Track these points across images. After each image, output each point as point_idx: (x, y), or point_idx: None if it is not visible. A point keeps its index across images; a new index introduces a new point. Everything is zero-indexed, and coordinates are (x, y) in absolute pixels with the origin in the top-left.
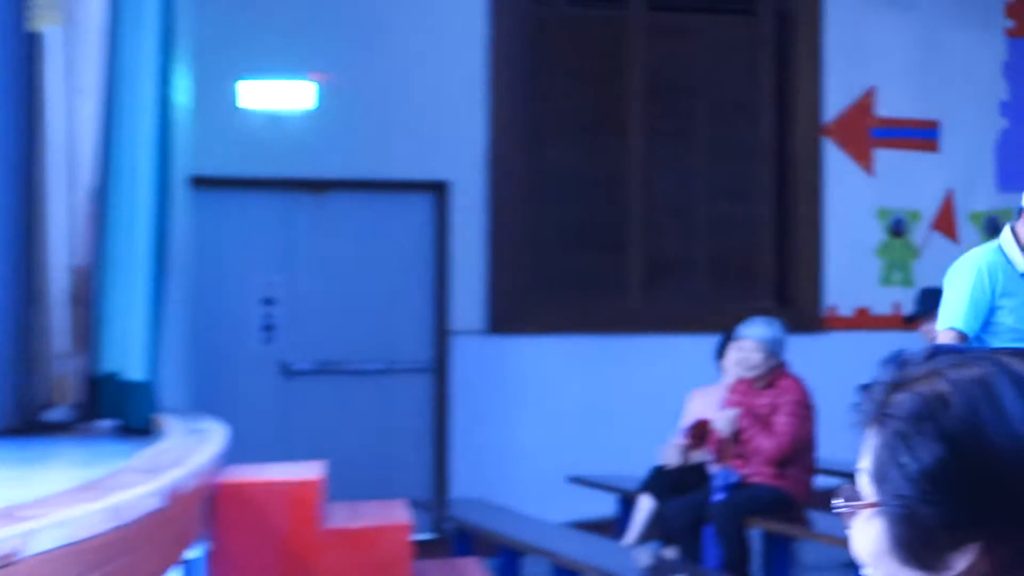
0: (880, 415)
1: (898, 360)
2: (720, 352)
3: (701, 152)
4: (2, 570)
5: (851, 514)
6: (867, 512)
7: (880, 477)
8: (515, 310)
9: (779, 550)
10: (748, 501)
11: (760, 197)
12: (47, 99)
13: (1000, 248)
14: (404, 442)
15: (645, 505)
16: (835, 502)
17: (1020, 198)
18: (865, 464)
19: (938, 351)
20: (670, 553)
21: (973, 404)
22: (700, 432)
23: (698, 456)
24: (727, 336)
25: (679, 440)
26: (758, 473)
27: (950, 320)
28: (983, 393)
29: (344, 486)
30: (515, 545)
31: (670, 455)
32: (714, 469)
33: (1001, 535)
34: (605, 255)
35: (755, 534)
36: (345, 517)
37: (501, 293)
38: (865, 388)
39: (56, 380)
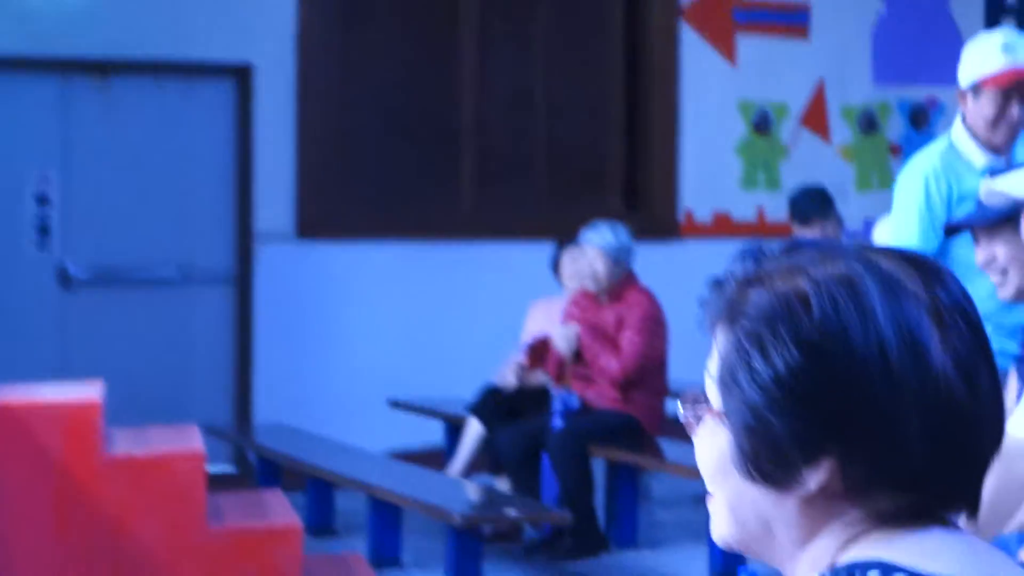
0: (731, 314)
1: (755, 253)
2: (556, 261)
3: (541, 34)
4: None
5: (695, 423)
6: (712, 421)
7: (728, 383)
8: (328, 212)
9: (625, 481)
10: (590, 428)
11: (608, 88)
12: None
13: (952, 145)
14: (201, 362)
15: (473, 431)
16: (678, 408)
17: (898, 91)
18: (712, 367)
19: (799, 245)
20: (502, 485)
21: (835, 305)
22: (540, 351)
23: (538, 377)
24: (561, 243)
25: (517, 359)
26: (602, 396)
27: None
28: (847, 293)
29: (131, 411)
30: (327, 476)
31: (507, 375)
32: (553, 392)
33: (857, 450)
34: (432, 150)
35: (598, 464)
36: (130, 444)
37: (312, 193)
38: (716, 283)
39: None
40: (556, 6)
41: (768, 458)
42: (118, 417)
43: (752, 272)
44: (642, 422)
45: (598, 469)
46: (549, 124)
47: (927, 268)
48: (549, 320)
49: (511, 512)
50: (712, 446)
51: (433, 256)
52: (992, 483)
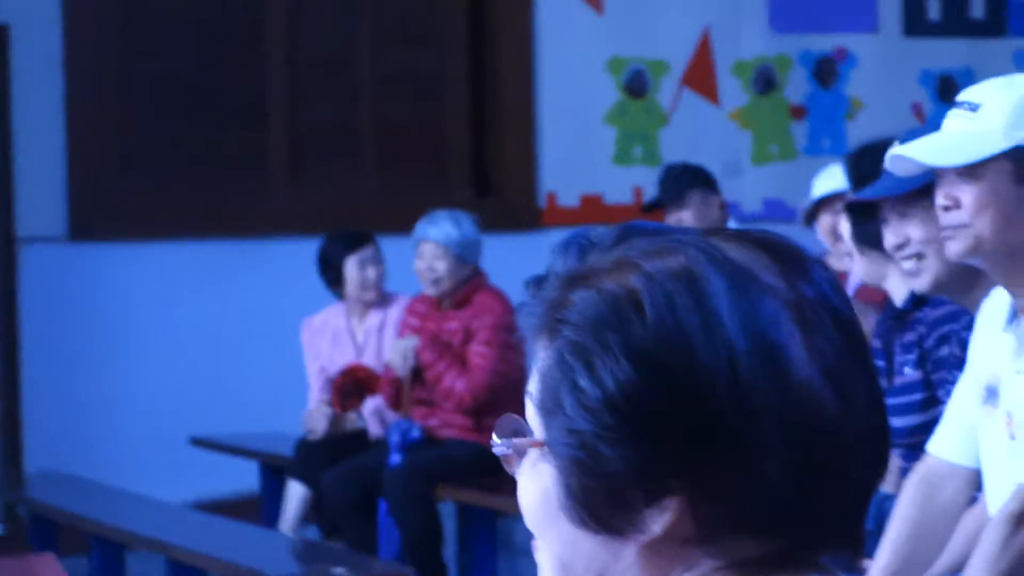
0: (552, 321)
1: (580, 244)
2: (328, 263)
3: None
4: None
5: (515, 457)
6: (534, 454)
7: (549, 407)
8: (107, 208)
9: (480, 527)
10: (436, 463)
11: (449, 45)
12: None
13: None
14: None
15: (296, 492)
16: (493, 441)
17: (799, 41)
18: (532, 388)
19: (632, 231)
20: (334, 542)
21: (673, 307)
22: (353, 385)
23: (354, 417)
24: (354, 240)
25: (323, 400)
26: (449, 424)
27: None
28: (687, 291)
29: None
30: (115, 535)
31: (315, 424)
32: (385, 422)
33: (708, 485)
34: (234, 132)
35: (447, 508)
36: None
37: (86, 184)
38: (534, 283)
39: None
40: None
41: (601, 498)
42: None
43: (576, 269)
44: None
45: (447, 513)
46: (377, 97)
47: (787, 256)
48: (337, 337)
49: (341, 572)
50: (535, 486)
51: (238, 257)
52: (910, 517)
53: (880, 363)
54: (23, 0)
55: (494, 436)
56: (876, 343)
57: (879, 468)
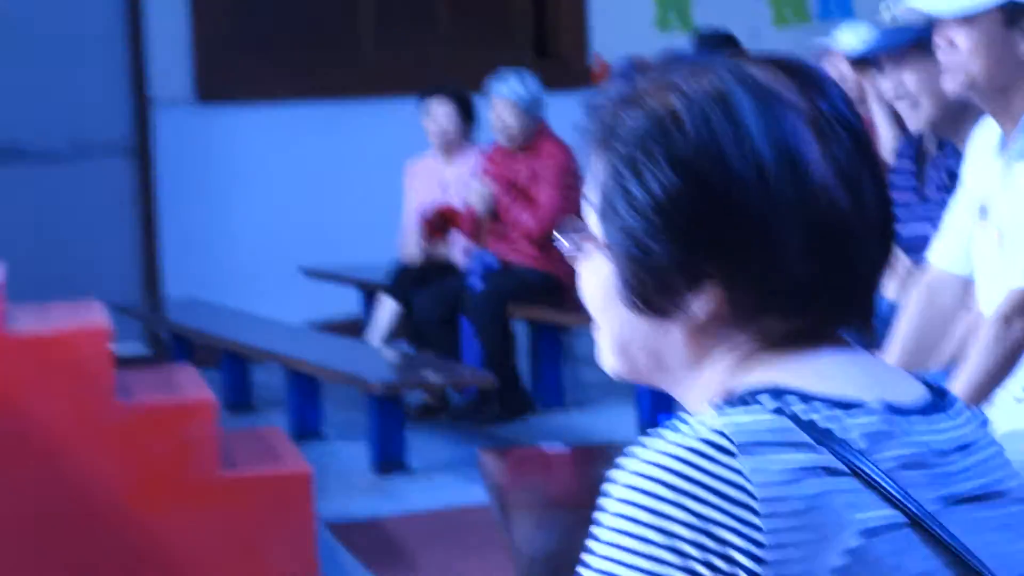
0: (606, 137)
1: (629, 71)
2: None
3: None
4: None
5: (576, 254)
6: (593, 251)
7: (606, 210)
8: (227, 74)
9: (547, 340)
10: (510, 287)
11: None
12: None
13: None
14: (103, 237)
15: (388, 307)
16: (556, 237)
17: None
18: (591, 195)
19: (673, 59)
20: (420, 350)
21: (708, 122)
22: (439, 222)
23: (442, 247)
24: (427, 94)
25: (417, 232)
26: (520, 254)
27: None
28: (720, 108)
29: (34, 291)
30: (241, 350)
31: (410, 250)
32: (467, 252)
33: (740, 273)
34: (328, 4)
35: (519, 324)
36: (31, 321)
37: (208, 54)
38: (591, 106)
39: None
40: None
41: (651, 286)
42: (19, 297)
43: (626, 92)
44: (562, 279)
45: (519, 329)
46: None
47: (805, 76)
48: (427, 180)
49: (433, 377)
50: (595, 277)
51: (337, 115)
52: (914, 317)
53: (912, 181)
54: None
55: (560, 235)
56: (906, 163)
57: (885, 256)
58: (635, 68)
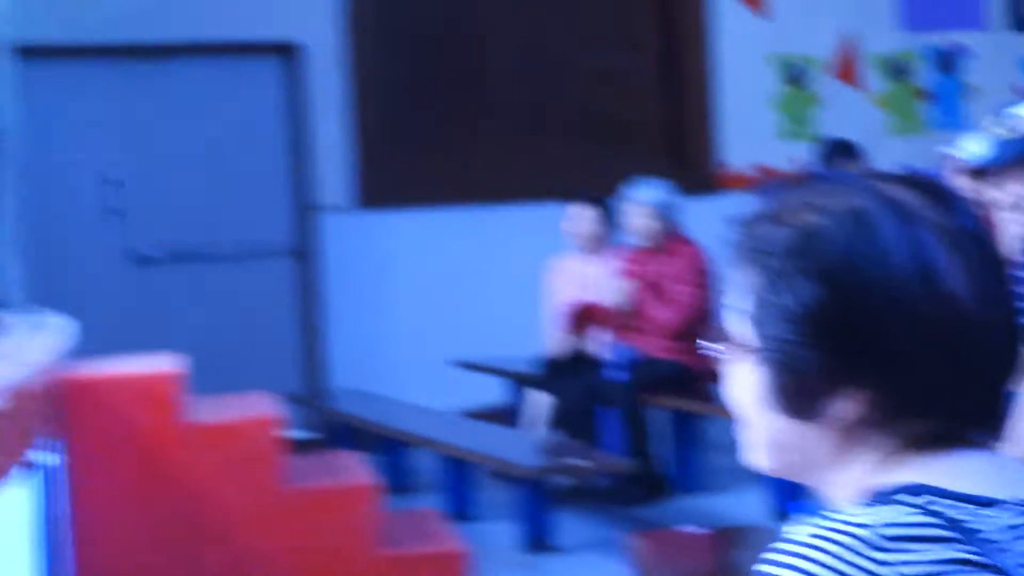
0: (755, 251)
1: (771, 191)
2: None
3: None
4: None
5: (723, 357)
6: (741, 356)
7: (756, 319)
8: (384, 180)
9: (684, 428)
10: (648, 377)
11: (641, 45)
12: None
13: None
14: (272, 332)
15: (538, 400)
16: (704, 344)
17: (924, 38)
18: (738, 303)
19: (811, 178)
20: (566, 437)
21: (849, 237)
22: (584, 316)
23: (585, 340)
24: (569, 199)
25: (562, 327)
26: (656, 347)
27: None
28: (860, 225)
29: (207, 382)
30: (400, 436)
31: (555, 343)
32: (608, 346)
33: (883, 379)
34: (472, 117)
35: (657, 412)
36: (208, 412)
37: (367, 164)
38: (739, 222)
39: None
40: None
41: (800, 391)
42: (195, 388)
43: (770, 208)
44: (696, 370)
45: (657, 417)
46: (584, 85)
47: (935, 192)
48: (571, 278)
49: (578, 461)
50: (744, 381)
51: (485, 217)
52: None
53: None
54: (310, 22)
55: (708, 343)
56: None
57: (1014, 359)
58: (777, 186)
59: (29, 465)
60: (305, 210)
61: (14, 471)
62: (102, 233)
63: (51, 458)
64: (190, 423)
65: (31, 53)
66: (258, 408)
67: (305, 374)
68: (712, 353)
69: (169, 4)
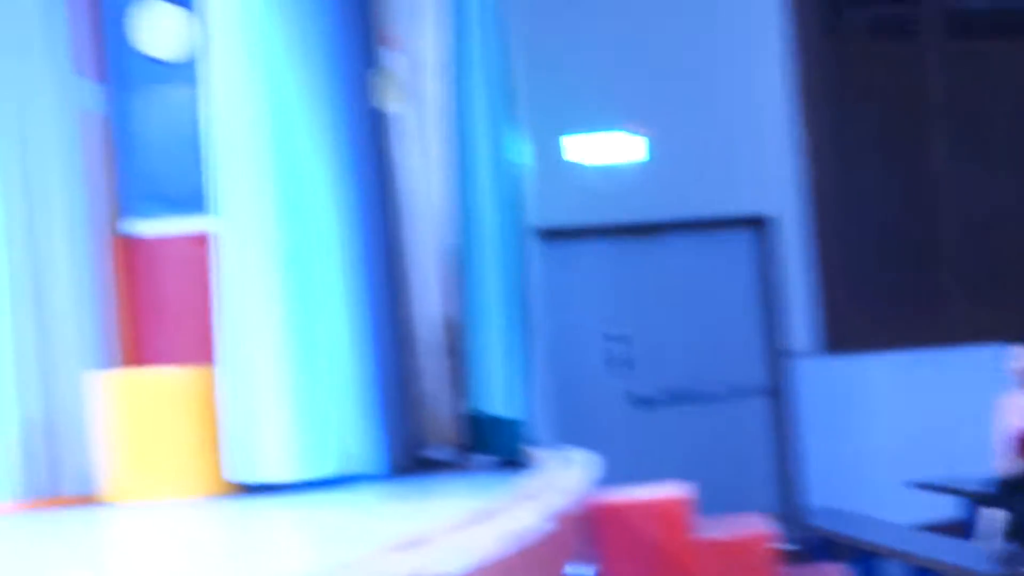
0: None
1: None
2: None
3: (1003, 168)
4: None
5: None
6: None
7: None
8: (845, 329)
9: None
10: None
11: None
12: (400, 169)
13: None
14: (751, 460)
15: (994, 516)
16: None
17: None
18: None
19: None
20: (1019, 548)
21: None
22: None
23: None
24: (1015, 342)
25: (1011, 452)
26: None
27: None
28: None
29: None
30: (872, 548)
31: (1006, 467)
32: None
33: None
34: (922, 270)
35: None
36: (711, 529)
37: (831, 314)
38: None
39: (435, 421)
40: (1012, 143)
41: None
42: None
43: None
44: None
45: None
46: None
47: None
48: (1017, 410)
49: None
50: None
51: (937, 359)
52: None
53: None
54: (776, 197)
55: None
56: None
57: None
58: None
59: None
60: (777, 355)
61: None
62: (609, 380)
63: (586, 571)
64: (699, 539)
65: (549, 235)
66: (753, 525)
67: (782, 494)
68: None
69: (657, 190)
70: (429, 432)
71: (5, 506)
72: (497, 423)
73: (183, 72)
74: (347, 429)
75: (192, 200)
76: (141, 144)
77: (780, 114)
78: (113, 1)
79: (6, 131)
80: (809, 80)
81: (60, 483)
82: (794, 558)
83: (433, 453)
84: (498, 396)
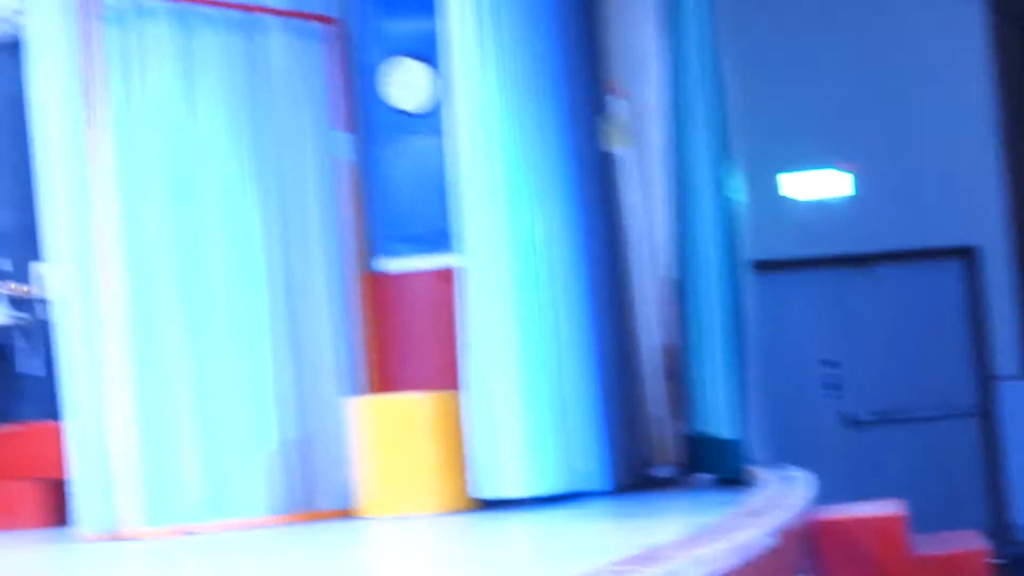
0: None
1: None
2: None
3: None
4: None
5: None
6: None
7: None
8: None
9: None
10: None
11: None
12: (625, 206)
13: None
14: (960, 480)
15: None
16: None
17: None
18: None
19: None
20: None
21: None
22: None
23: None
24: None
25: None
26: None
27: None
28: None
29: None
30: None
31: None
32: None
33: None
34: None
35: None
36: (927, 546)
37: None
38: None
39: (657, 442)
40: None
41: None
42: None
43: None
44: None
45: None
46: None
47: None
48: None
49: None
50: None
51: None
52: None
53: None
54: (982, 227)
55: None
56: None
57: None
58: None
59: None
60: (984, 378)
61: None
62: (823, 403)
63: None
64: (917, 555)
65: (763, 266)
66: (968, 542)
67: (990, 511)
68: None
69: (869, 222)
70: (651, 452)
71: (267, 519)
72: (718, 443)
73: (427, 123)
74: (576, 448)
75: (436, 239)
76: (389, 188)
77: (985, 145)
78: (364, 59)
79: (268, 177)
80: (1013, 110)
81: (315, 498)
82: (1003, 573)
83: (655, 472)
84: (719, 418)
